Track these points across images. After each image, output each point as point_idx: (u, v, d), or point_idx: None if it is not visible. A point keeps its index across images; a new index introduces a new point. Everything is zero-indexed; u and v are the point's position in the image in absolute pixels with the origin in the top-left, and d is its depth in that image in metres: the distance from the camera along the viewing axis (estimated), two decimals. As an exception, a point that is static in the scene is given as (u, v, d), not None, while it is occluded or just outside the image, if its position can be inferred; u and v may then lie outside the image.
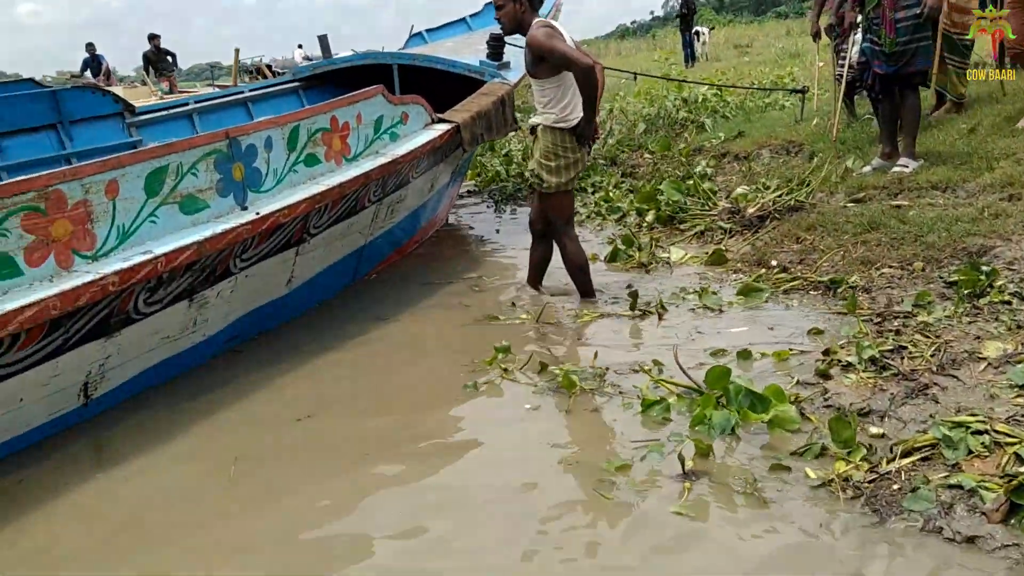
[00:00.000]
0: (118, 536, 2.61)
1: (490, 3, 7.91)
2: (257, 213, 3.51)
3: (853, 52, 6.21)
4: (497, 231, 6.50)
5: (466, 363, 3.73)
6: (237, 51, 12.68)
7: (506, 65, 5.97)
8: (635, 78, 12.73)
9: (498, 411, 3.33)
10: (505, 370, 3.62)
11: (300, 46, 23.29)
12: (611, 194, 6.86)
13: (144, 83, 14.31)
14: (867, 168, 5.60)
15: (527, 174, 4.41)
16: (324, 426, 3.28)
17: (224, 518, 2.69)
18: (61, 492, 2.85)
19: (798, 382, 3.19)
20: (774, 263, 4.67)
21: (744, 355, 3.50)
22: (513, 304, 4.54)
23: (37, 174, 2.81)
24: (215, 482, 2.88)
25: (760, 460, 2.70)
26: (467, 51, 6.47)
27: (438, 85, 6.06)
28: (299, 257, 4.09)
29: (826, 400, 3.01)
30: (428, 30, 7.39)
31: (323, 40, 6.61)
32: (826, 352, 3.37)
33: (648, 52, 23.75)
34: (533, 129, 4.32)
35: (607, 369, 3.50)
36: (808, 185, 5.65)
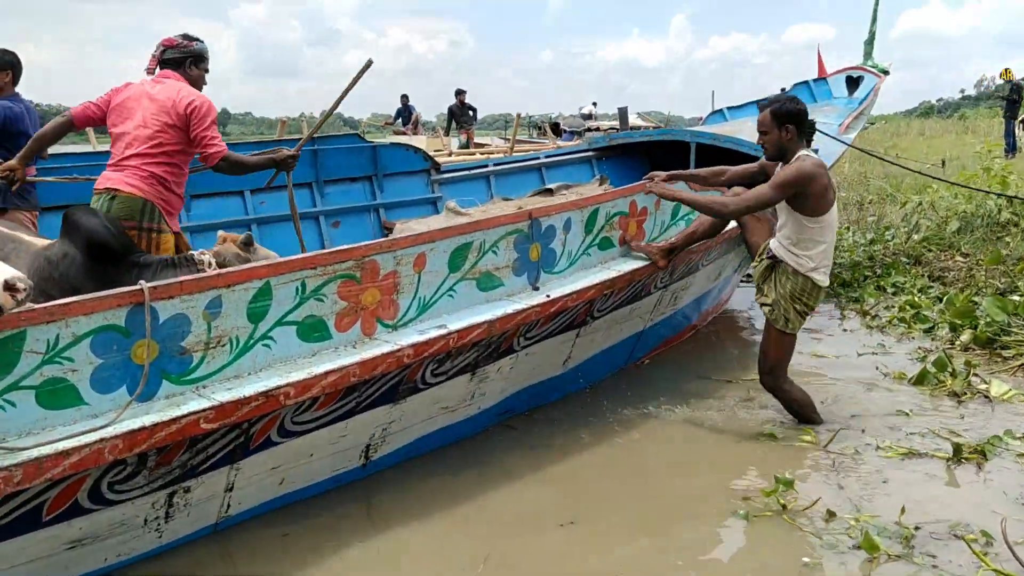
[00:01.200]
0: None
1: (800, 84, 7.55)
2: (548, 296, 3.44)
3: None
4: (816, 328, 5.88)
5: (739, 486, 3.37)
6: (518, 116, 13.20)
7: (815, 152, 5.54)
8: (943, 165, 11.51)
9: (771, 556, 2.91)
10: (784, 507, 3.17)
11: (595, 104, 23.92)
12: (917, 299, 6.07)
13: (447, 133, 15.37)
14: None
15: (765, 304, 3.88)
16: (584, 536, 3.07)
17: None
18: (318, 555, 2.90)
19: None
20: None
21: None
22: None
23: (357, 245, 2.93)
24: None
25: None
26: (770, 132, 6.12)
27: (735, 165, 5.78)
28: (579, 339, 3.98)
29: None
30: (729, 108, 7.15)
31: (623, 112, 6.62)
32: None
33: (957, 135, 21.48)
34: (773, 257, 3.84)
35: (917, 529, 2.97)
36: None
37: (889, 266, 7.00)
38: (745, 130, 6.37)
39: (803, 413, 3.94)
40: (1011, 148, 14.59)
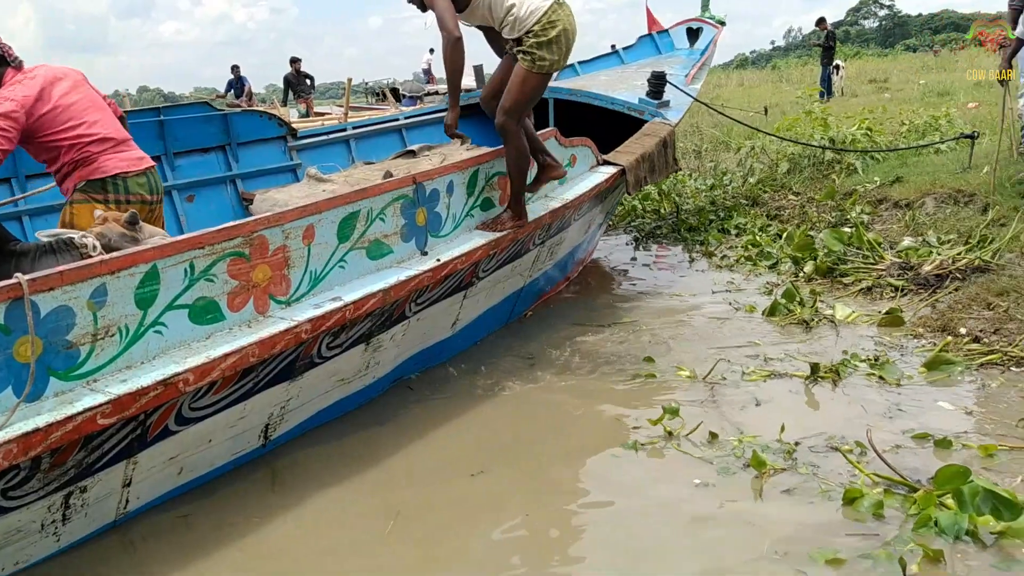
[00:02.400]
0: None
1: (644, 36, 7.81)
2: (438, 260, 3.45)
3: None
4: (642, 267, 6.33)
5: (627, 421, 3.59)
6: (350, 80, 12.90)
7: (666, 104, 5.81)
8: (765, 112, 12.27)
9: (666, 482, 3.13)
10: (670, 434, 3.42)
11: (431, 51, 23.52)
12: (759, 238, 6.54)
13: (284, 103, 14.82)
14: None
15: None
16: (494, 484, 3.17)
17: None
18: (222, 531, 2.84)
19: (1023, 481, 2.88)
20: (963, 331, 4.29)
21: (942, 444, 3.19)
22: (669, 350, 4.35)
23: (243, 220, 2.82)
24: (373, 535, 2.84)
25: (999, 572, 2.42)
26: (622, 86, 6.34)
27: (592, 120, 5.95)
28: (466, 300, 4.02)
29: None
30: (580, 62, 7.30)
31: (478, 70, 6.59)
32: (1056, 450, 3.03)
33: (773, 84, 22.90)
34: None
35: (797, 444, 3.27)
36: (993, 243, 5.23)
37: (730, 209, 7.48)
38: (597, 83, 6.56)
39: (520, 164, 3.82)
40: (828, 92, 15.74)
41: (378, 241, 3.32)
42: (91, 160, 3.36)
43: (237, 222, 2.80)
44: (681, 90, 6.04)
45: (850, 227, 6.05)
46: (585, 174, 4.63)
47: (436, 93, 16.81)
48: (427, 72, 22.64)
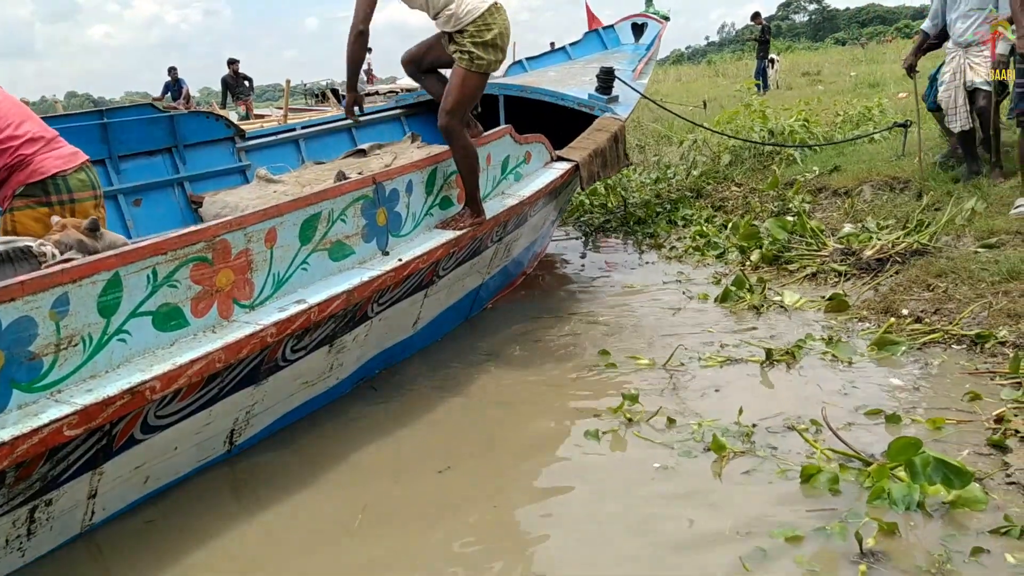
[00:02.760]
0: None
1: (590, 32, 7.89)
2: (400, 260, 3.46)
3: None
4: (592, 261, 6.44)
5: (588, 409, 3.66)
6: (288, 82, 12.78)
7: (615, 99, 5.89)
8: (704, 106, 12.51)
9: (627, 468, 3.20)
10: (630, 420, 3.51)
11: (370, 50, 23.44)
12: (705, 229, 6.69)
13: (223, 106, 14.57)
14: (1017, 211, 5.29)
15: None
16: (460, 478, 3.20)
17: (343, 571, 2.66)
18: (189, 534, 2.83)
19: (971, 453, 3.02)
20: (905, 312, 4.47)
21: (893, 419, 3.33)
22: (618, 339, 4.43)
23: (205, 225, 2.79)
24: (339, 533, 2.85)
25: (950, 540, 2.54)
26: (571, 82, 6.41)
27: (542, 116, 6.01)
28: (427, 299, 4.04)
29: (1008, 476, 2.84)
30: (528, 58, 7.35)
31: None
32: (999, 420, 3.19)
33: (710, 79, 23.33)
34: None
35: (754, 427, 3.37)
36: (929, 227, 5.44)
37: (676, 201, 7.63)
38: (546, 80, 6.62)
39: (470, 163, 3.86)
40: (764, 86, 16.09)
41: (340, 242, 3.32)
42: (26, 163, 3.20)
43: (199, 226, 2.78)
44: (629, 85, 6.14)
45: (793, 216, 6.22)
46: (540, 170, 4.68)
47: (377, 93, 16.68)
48: (367, 72, 22.48)
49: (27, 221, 3.20)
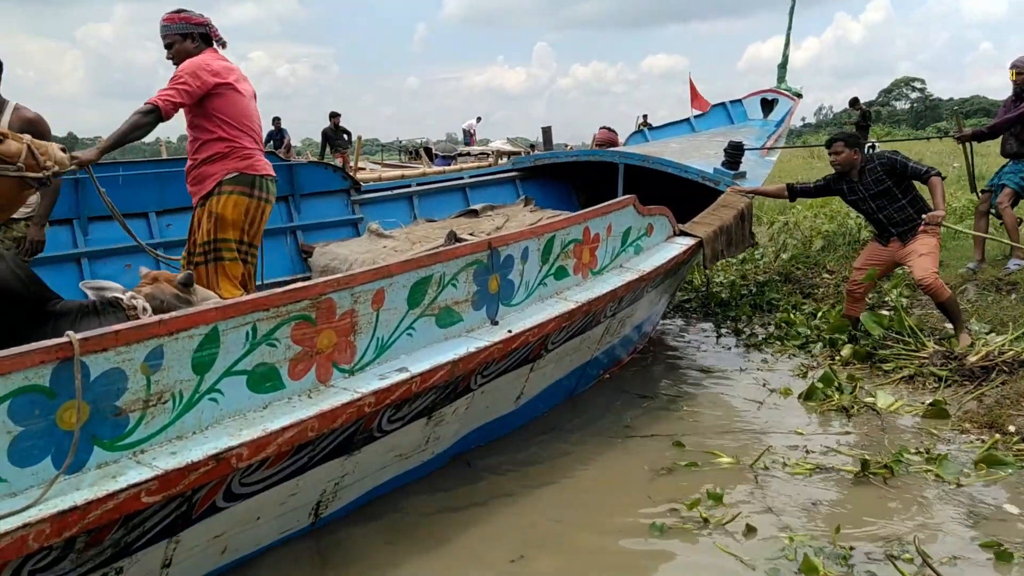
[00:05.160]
0: None
1: (716, 105, 7.63)
2: (509, 331, 3.22)
3: None
4: (673, 341, 6.05)
5: (667, 507, 3.37)
6: (360, 139, 12.88)
7: (742, 175, 5.57)
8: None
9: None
10: (706, 521, 3.20)
11: (479, 119, 23.97)
12: (792, 316, 6.17)
13: (321, 157, 14.96)
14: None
15: None
16: (531, 572, 2.94)
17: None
18: None
19: None
20: (1012, 429, 3.97)
21: (1004, 556, 2.88)
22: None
23: (312, 282, 2.62)
24: None
25: None
26: (695, 154, 6.13)
27: (662, 188, 5.73)
28: (532, 373, 3.77)
29: None
30: (650, 128, 7.13)
31: (546, 132, 6.47)
32: None
33: (804, 160, 22.56)
34: None
35: (852, 549, 2.97)
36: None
37: (762, 284, 7.13)
38: (668, 151, 6.37)
39: None
40: None
41: (449, 308, 3.10)
42: (247, 155, 3.79)
43: (305, 284, 2.61)
44: (757, 146, 5.78)
45: (889, 310, 5.66)
46: (661, 245, 4.39)
47: (468, 154, 16.82)
48: (468, 132, 22.92)
49: (233, 207, 3.76)
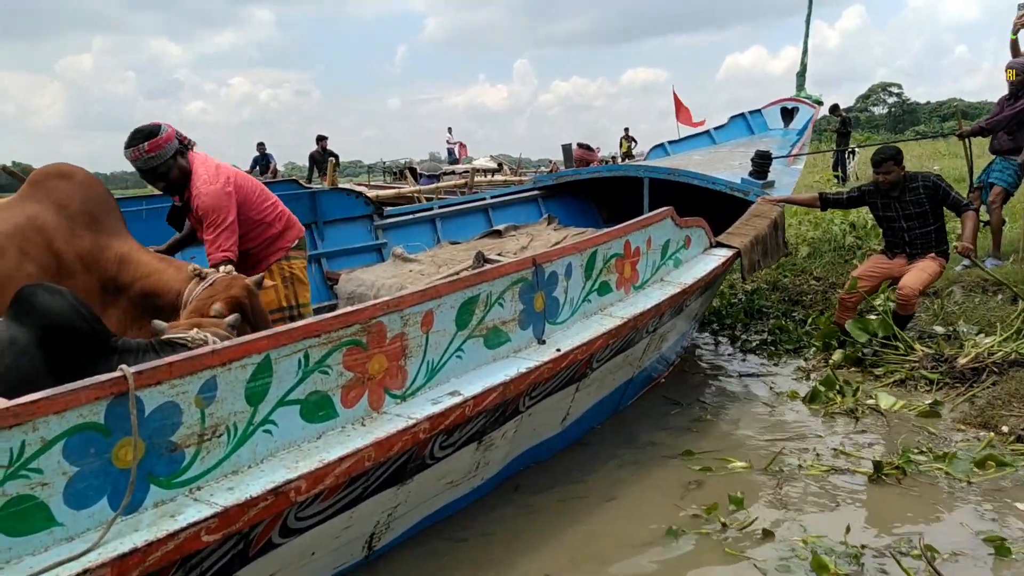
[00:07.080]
0: None
1: (736, 116, 7.57)
2: (558, 350, 3.12)
3: None
4: (697, 356, 5.93)
5: (686, 511, 3.35)
6: (332, 162, 12.77)
7: (771, 184, 5.49)
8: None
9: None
10: (724, 525, 3.15)
11: (450, 129, 24.39)
12: (784, 322, 6.20)
13: (309, 180, 14.90)
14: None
15: None
16: None
17: None
18: None
19: None
20: (1005, 429, 3.94)
21: (1002, 551, 2.87)
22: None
23: (363, 305, 2.54)
24: None
25: None
26: (719, 166, 6.05)
27: (685, 201, 5.64)
28: (578, 393, 3.67)
29: None
30: (671, 142, 7.07)
31: (566, 149, 6.42)
32: None
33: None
34: None
35: (863, 548, 2.93)
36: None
37: (752, 292, 7.08)
38: (691, 163, 6.29)
39: None
40: (843, 177, 15.16)
41: (496, 328, 3.01)
42: (292, 222, 4.01)
43: (355, 307, 2.52)
44: (783, 154, 5.70)
45: (876, 315, 5.56)
46: (699, 257, 4.30)
47: (453, 172, 16.80)
48: (452, 151, 23.02)
49: (302, 270, 4.03)
